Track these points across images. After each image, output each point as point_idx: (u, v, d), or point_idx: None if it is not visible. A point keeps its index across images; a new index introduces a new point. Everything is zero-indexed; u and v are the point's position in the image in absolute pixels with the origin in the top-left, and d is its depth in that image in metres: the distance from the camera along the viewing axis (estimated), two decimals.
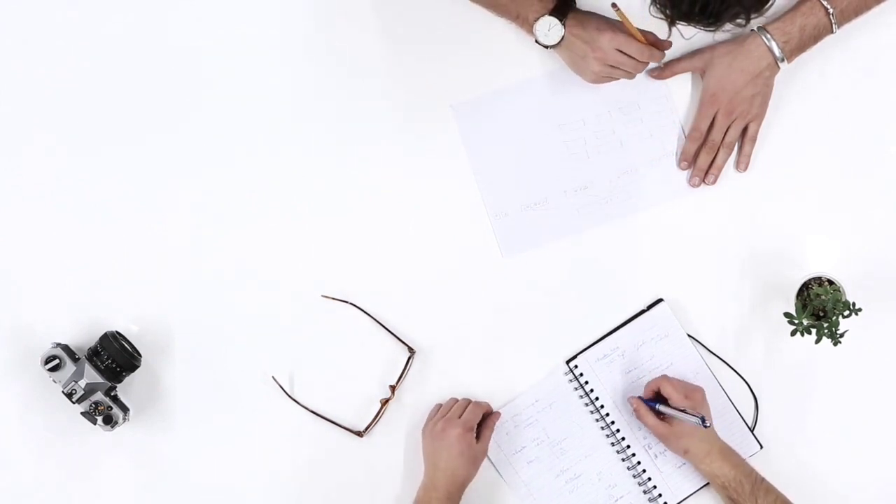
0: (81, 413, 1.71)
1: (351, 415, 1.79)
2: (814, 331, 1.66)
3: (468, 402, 1.76)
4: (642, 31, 1.69)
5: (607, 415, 1.77)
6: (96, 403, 1.71)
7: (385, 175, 1.80)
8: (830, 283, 1.72)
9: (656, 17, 1.47)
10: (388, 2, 1.80)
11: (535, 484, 1.78)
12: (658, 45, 1.71)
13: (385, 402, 1.78)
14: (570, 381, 1.79)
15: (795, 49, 1.73)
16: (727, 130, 1.77)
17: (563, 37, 1.70)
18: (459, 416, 1.72)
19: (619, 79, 1.73)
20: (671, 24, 1.46)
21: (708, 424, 1.65)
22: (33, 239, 1.79)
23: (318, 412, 1.78)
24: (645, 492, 1.77)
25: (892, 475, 1.78)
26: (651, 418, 1.71)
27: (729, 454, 1.70)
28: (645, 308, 1.79)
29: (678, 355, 1.78)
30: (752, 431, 1.77)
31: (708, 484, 1.75)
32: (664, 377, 1.72)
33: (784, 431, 1.78)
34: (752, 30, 1.73)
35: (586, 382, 1.78)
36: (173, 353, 1.79)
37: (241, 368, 1.79)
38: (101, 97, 1.80)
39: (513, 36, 1.78)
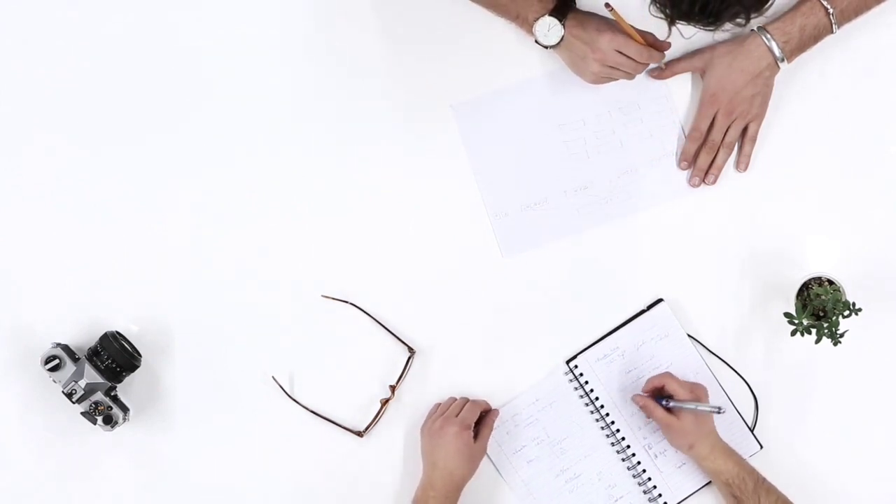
0: (81, 413, 1.71)
1: (351, 415, 1.79)
2: (814, 331, 1.66)
3: (466, 400, 1.76)
4: (641, 32, 1.70)
5: (607, 415, 1.77)
6: (96, 403, 1.71)
7: (385, 175, 1.80)
8: (830, 283, 1.72)
9: (656, 17, 1.47)
10: (388, 2, 1.80)
11: (535, 483, 1.78)
12: (657, 45, 1.71)
13: (385, 402, 1.78)
14: (570, 380, 1.79)
15: (795, 49, 1.73)
16: (727, 130, 1.77)
17: (562, 37, 1.70)
18: (457, 415, 1.73)
19: (618, 79, 1.73)
20: (671, 23, 1.46)
21: (724, 411, 1.65)
22: (33, 239, 1.79)
23: (318, 412, 1.78)
24: (645, 492, 1.77)
25: (893, 475, 1.78)
26: (660, 411, 1.70)
27: (731, 452, 1.70)
28: (645, 308, 1.79)
29: (678, 355, 1.78)
30: (752, 431, 1.77)
31: (708, 484, 1.75)
32: (668, 374, 1.72)
33: (784, 431, 1.78)
34: (752, 30, 1.73)
35: (586, 382, 1.78)
36: (173, 353, 1.79)
37: (241, 368, 1.79)
38: (101, 97, 1.80)
39: (513, 36, 1.78)
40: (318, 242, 1.80)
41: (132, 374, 1.76)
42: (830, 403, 1.78)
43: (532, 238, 1.80)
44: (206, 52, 1.81)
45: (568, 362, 1.79)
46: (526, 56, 1.79)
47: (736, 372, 1.78)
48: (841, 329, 1.65)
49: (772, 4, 1.46)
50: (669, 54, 1.76)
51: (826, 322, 1.66)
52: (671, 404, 1.69)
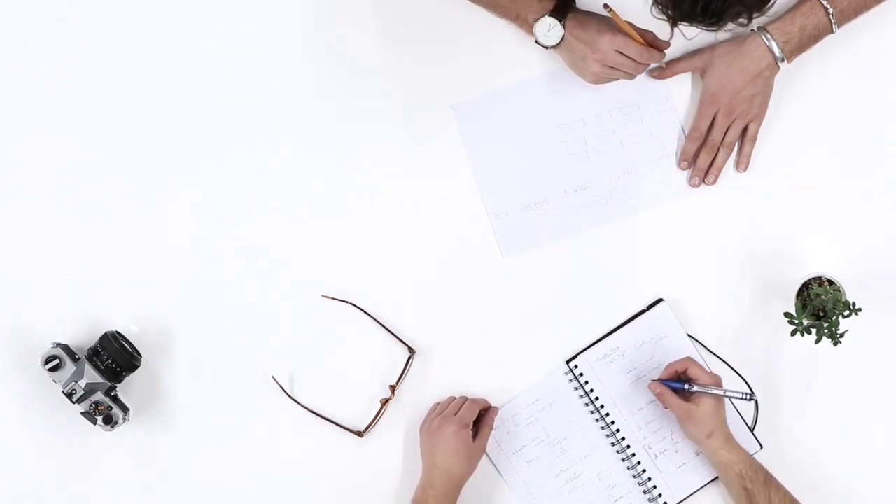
0: (81, 413, 1.71)
1: (351, 415, 1.79)
2: (814, 331, 1.66)
3: (465, 399, 1.77)
4: (641, 31, 1.69)
5: (607, 415, 1.77)
6: (96, 403, 1.71)
7: (385, 175, 1.80)
8: (830, 283, 1.72)
9: (658, 18, 1.46)
10: (388, 2, 1.80)
11: (535, 483, 1.78)
12: (657, 45, 1.71)
13: (385, 402, 1.78)
14: (570, 380, 1.79)
15: (795, 49, 1.73)
16: (727, 130, 1.77)
17: (562, 37, 1.70)
18: (456, 414, 1.73)
19: (618, 80, 1.73)
20: (673, 24, 1.46)
21: (755, 398, 1.67)
22: (33, 239, 1.79)
23: (318, 412, 1.78)
24: (645, 492, 1.77)
25: (893, 475, 1.78)
26: (675, 399, 1.68)
27: (739, 446, 1.70)
28: (645, 308, 1.79)
29: (678, 355, 1.77)
30: (752, 431, 1.77)
31: (708, 484, 1.75)
32: (690, 358, 1.71)
33: (784, 431, 1.78)
34: (752, 30, 1.73)
35: (586, 382, 1.78)
36: (173, 353, 1.79)
37: (241, 368, 1.79)
38: (100, 97, 1.80)
39: (513, 36, 1.78)
40: (318, 242, 1.80)
41: (132, 374, 1.76)
42: (830, 403, 1.78)
43: (532, 238, 1.80)
44: (206, 52, 1.81)
45: (568, 362, 1.79)
46: (526, 56, 1.79)
47: (736, 372, 1.78)
48: (841, 329, 1.65)
49: (773, 4, 1.46)
50: (670, 54, 1.76)
51: (826, 322, 1.66)
52: (694, 388, 1.68)
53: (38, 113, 1.80)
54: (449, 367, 1.79)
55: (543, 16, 1.70)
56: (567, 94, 1.80)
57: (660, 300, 1.78)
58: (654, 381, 1.72)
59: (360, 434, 1.78)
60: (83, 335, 1.77)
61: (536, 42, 1.72)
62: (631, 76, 1.72)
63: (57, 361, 1.70)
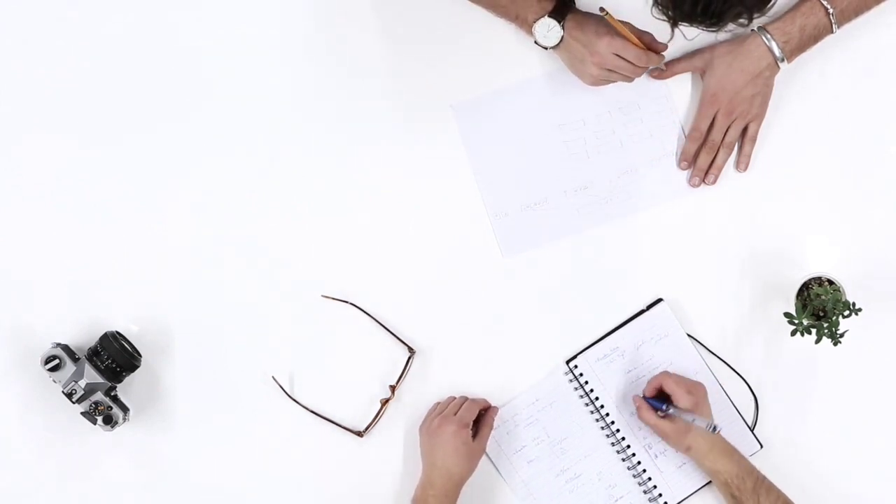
0: (81, 413, 1.71)
1: (351, 415, 1.79)
2: (814, 331, 1.66)
3: (465, 399, 1.77)
4: (639, 32, 1.69)
5: (607, 415, 1.77)
6: (96, 403, 1.71)
7: (385, 175, 1.80)
8: (830, 283, 1.72)
9: (658, 19, 1.46)
10: (388, 2, 1.80)
11: (535, 483, 1.78)
12: (654, 47, 1.71)
13: (385, 402, 1.78)
14: (570, 380, 1.79)
15: (795, 49, 1.73)
16: (727, 130, 1.77)
17: (561, 38, 1.70)
18: (455, 413, 1.73)
19: (617, 82, 1.73)
20: (674, 25, 1.46)
21: (719, 429, 1.65)
22: (33, 239, 1.79)
23: (318, 412, 1.78)
24: (645, 492, 1.77)
25: (892, 475, 1.78)
26: (652, 416, 1.71)
27: (731, 451, 1.70)
28: (645, 308, 1.79)
29: (678, 355, 1.78)
30: (752, 431, 1.77)
31: (708, 484, 1.75)
32: (665, 373, 1.72)
33: (784, 431, 1.78)
34: (752, 30, 1.73)
35: (586, 382, 1.78)
36: (173, 353, 1.79)
37: (241, 368, 1.79)
38: (101, 97, 1.80)
39: (513, 36, 1.78)
40: (318, 242, 1.80)
41: (132, 374, 1.76)
42: (830, 403, 1.78)
43: (532, 238, 1.80)
44: (206, 52, 1.81)
45: (568, 362, 1.79)
46: (526, 56, 1.79)
47: (736, 372, 1.78)
48: (841, 329, 1.65)
49: (774, 4, 1.45)
50: (670, 54, 1.76)
51: (826, 322, 1.66)
52: (670, 411, 1.69)
53: (39, 113, 1.80)
54: (449, 367, 1.79)
55: (543, 16, 1.70)
56: (567, 94, 1.80)
57: (660, 300, 1.79)
58: (635, 395, 1.74)
59: (360, 434, 1.78)
60: (83, 335, 1.77)
61: (536, 43, 1.72)
62: (629, 79, 1.72)
63: (57, 361, 1.70)
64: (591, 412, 1.78)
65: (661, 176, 1.80)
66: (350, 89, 1.80)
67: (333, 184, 1.80)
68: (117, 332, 1.75)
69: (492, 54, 1.80)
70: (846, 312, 1.66)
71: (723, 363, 1.78)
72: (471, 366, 1.79)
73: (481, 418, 1.75)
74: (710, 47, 1.76)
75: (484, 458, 1.76)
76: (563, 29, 1.70)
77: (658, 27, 1.51)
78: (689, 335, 1.78)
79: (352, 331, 1.79)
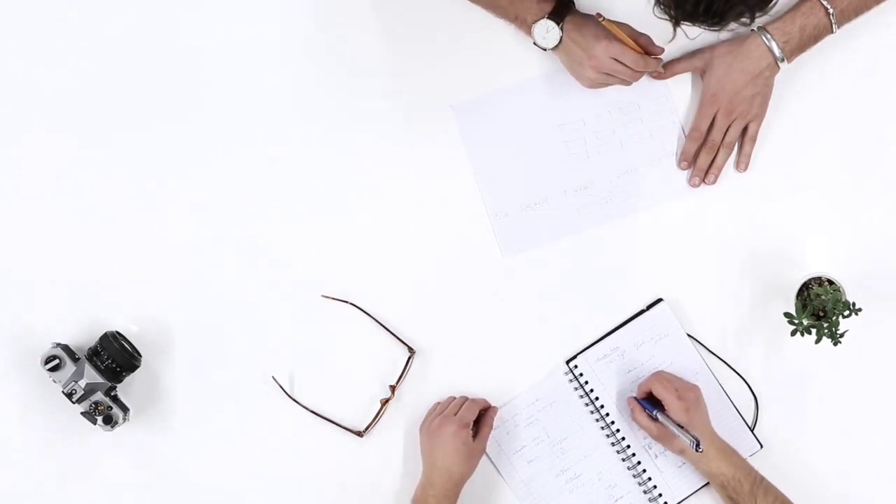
0: (81, 413, 1.71)
1: (351, 415, 1.79)
2: (814, 331, 1.66)
3: (465, 399, 1.77)
4: (637, 34, 1.69)
5: (607, 415, 1.77)
6: (96, 403, 1.71)
7: (385, 175, 1.80)
8: (830, 283, 1.72)
9: (660, 18, 1.46)
10: (388, 2, 1.80)
11: (535, 483, 1.78)
12: (652, 50, 1.71)
13: (385, 402, 1.78)
14: (570, 381, 1.79)
15: (795, 49, 1.73)
16: (727, 130, 1.77)
17: (560, 40, 1.70)
18: (455, 413, 1.73)
19: (615, 84, 1.73)
20: (675, 24, 1.46)
21: (701, 450, 1.64)
22: (33, 239, 1.79)
23: (318, 412, 1.78)
24: (645, 492, 1.77)
25: (892, 475, 1.78)
26: (644, 419, 1.71)
27: (728, 453, 1.70)
28: (645, 308, 1.79)
29: (678, 355, 1.78)
30: (752, 431, 1.77)
31: (708, 483, 1.75)
32: (656, 376, 1.72)
33: (784, 431, 1.78)
34: (752, 30, 1.73)
35: (586, 382, 1.78)
36: (173, 353, 1.79)
37: (241, 368, 1.79)
38: (101, 97, 1.80)
39: (513, 36, 1.78)
40: (318, 242, 1.80)
41: (132, 374, 1.76)
42: (830, 403, 1.78)
43: (532, 238, 1.80)
44: (206, 52, 1.81)
45: (568, 362, 1.79)
46: (526, 56, 1.79)
47: (736, 372, 1.78)
48: (841, 329, 1.65)
49: (776, 3, 1.45)
50: (669, 54, 1.76)
51: (826, 322, 1.66)
52: (659, 417, 1.69)
53: (39, 113, 1.80)
54: (449, 367, 1.79)
55: (542, 18, 1.70)
56: (567, 95, 1.80)
57: (660, 300, 1.79)
58: (630, 396, 1.74)
59: (360, 434, 1.78)
60: (83, 335, 1.77)
61: (535, 44, 1.72)
62: (627, 83, 1.73)
63: (57, 361, 1.70)
64: (591, 412, 1.78)
65: (661, 176, 1.80)
66: (350, 89, 1.80)
67: (333, 184, 1.80)
68: (117, 332, 1.75)
69: (492, 54, 1.80)
70: (846, 312, 1.66)
71: (723, 363, 1.78)
72: (471, 366, 1.79)
73: (481, 418, 1.75)
74: (710, 47, 1.76)
75: (484, 458, 1.76)
76: (562, 31, 1.70)
77: (659, 26, 1.51)
78: (689, 335, 1.78)
79: (352, 331, 1.79)
